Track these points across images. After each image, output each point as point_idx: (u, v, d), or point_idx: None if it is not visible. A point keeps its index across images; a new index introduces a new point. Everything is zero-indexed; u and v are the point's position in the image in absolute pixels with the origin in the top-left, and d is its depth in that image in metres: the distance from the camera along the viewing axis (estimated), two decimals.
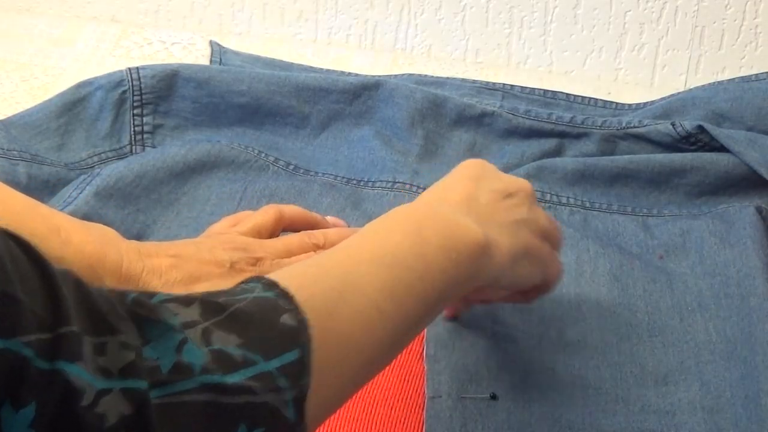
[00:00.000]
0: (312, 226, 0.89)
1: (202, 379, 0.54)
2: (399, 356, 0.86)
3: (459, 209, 0.74)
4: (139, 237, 0.95)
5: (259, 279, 0.61)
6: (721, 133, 0.99)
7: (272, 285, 0.60)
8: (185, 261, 0.81)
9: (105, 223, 0.93)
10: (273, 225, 0.87)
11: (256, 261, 0.82)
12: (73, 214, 0.91)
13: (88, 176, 0.97)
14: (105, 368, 0.51)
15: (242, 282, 0.61)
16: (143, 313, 0.54)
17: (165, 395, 0.53)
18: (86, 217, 0.92)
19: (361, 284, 0.64)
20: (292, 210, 0.89)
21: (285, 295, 0.60)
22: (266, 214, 0.87)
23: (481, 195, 0.76)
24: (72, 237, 0.78)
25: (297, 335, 0.58)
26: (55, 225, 0.78)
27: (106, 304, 0.53)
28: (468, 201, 0.75)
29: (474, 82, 1.13)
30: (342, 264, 0.66)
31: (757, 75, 1.09)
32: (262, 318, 0.58)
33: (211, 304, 0.57)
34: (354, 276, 0.65)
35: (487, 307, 0.90)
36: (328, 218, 0.93)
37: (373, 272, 0.65)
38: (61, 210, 0.91)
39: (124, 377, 0.51)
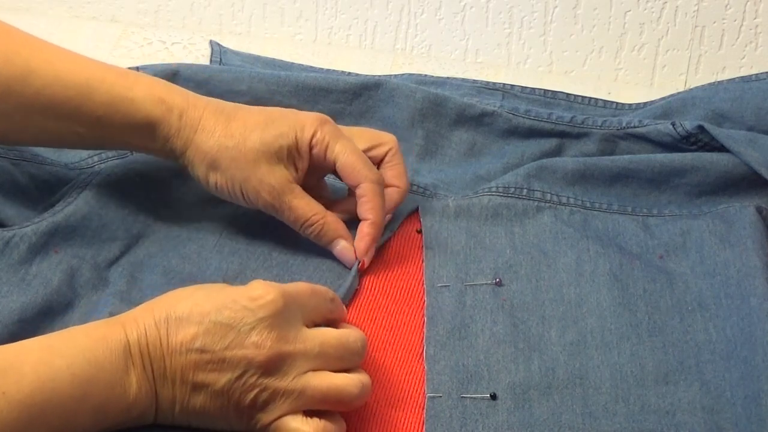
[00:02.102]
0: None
1: None
2: (399, 356, 0.87)
3: (147, 356, 0.72)
4: (139, 237, 0.95)
5: None
6: (721, 133, 0.99)
7: None
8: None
9: (104, 224, 0.93)
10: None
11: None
12: (72, 214, 0.92)
13: (88, 176, 0.97)
14: None
15: None
16: None
17: None
18: (86, 217, 0.92)
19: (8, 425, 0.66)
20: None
21: None
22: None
23: (193, 345, 0.73)
24: (137, 89, 0.88)
25: None
26: (126, 84, 0.88)
27: None
28: (178, 346, 0.73)
29: (474, 81, 1.13)
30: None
31: (757, 75, 1.09)
32: None
33: None
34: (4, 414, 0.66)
35: (486, 307, 0.90)
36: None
37: (17, 417, 0.67)
38: (61, 210, 0.92)
39: None
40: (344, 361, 0.77)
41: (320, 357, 0.75)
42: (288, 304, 0.75)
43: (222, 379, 0.72)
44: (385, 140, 0.94)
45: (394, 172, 0.94)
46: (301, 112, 0.91)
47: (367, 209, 0.91)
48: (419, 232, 0.96)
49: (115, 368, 0.71)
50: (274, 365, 0.73)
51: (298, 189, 0.90)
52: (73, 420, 0.70)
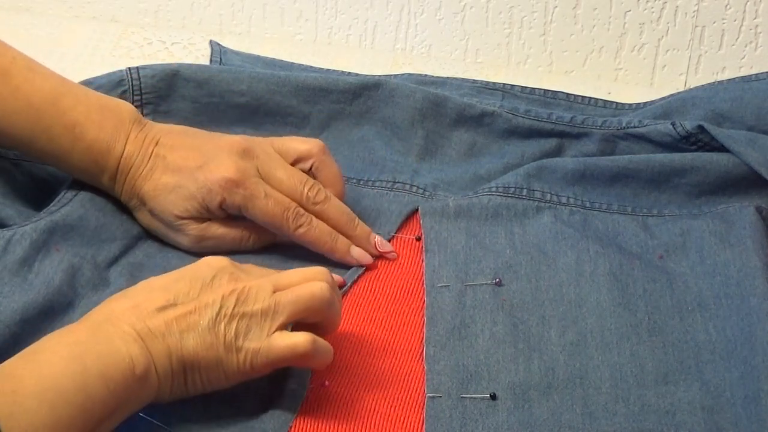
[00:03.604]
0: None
1: None
2: (399, 356, 0.87)
3: (131, 325, 0.75)
4: (138, 237, 0.95)
5: None
6: (721, 133, 0.99)
7: None
8: (173, 151, 0.92)
9: (103, 224, 0.93)
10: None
11: (239, 167, 0.88)
12: (69, 214, 0.92)
13: None
14: None
15: None
16: None
17: None
18: (83, 217, 0.92)
19: (25, 420, 0.67)
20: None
21: None
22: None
23: (168, 302, 0.77)
24: (86, 134, 0.90)
25: None
26: (71, 121, 0.90)
27: None
28: (147, 315, 0.76)
29: (474, 81, 1.13)
30: (7, 398, 0.68)
31: (757, 75, 1.09)
32: None
33: None
34: (18, 413, 0.67)
35: (486, 307, 0.90)
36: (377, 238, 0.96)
37: (37, 409, 0.68)
38: (57, 210, 0.92)
39: None
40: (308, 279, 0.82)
41: (282, 279, 0.81)
42: (235, 263, 0.81)
43: (204, 319, 0.77)
44: (310, 153, 0.95)
45: (323, 178, 0.95)
46: (213, 166, 0.91)
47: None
48: (418, 239, 0.96)
49: (99, 339, 0.74)
50: (244, 295, 0.78)
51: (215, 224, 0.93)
52: (88, 391, 0.71)
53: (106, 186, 0.93)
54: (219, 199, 0.91)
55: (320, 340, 0.80)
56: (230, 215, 0.93)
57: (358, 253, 0.93)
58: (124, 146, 0.91)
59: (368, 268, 0.94)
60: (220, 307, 0.77)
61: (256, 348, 0.78)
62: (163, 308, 0.76)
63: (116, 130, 0.91)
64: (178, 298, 0.77)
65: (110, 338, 0.74)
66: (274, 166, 0.92)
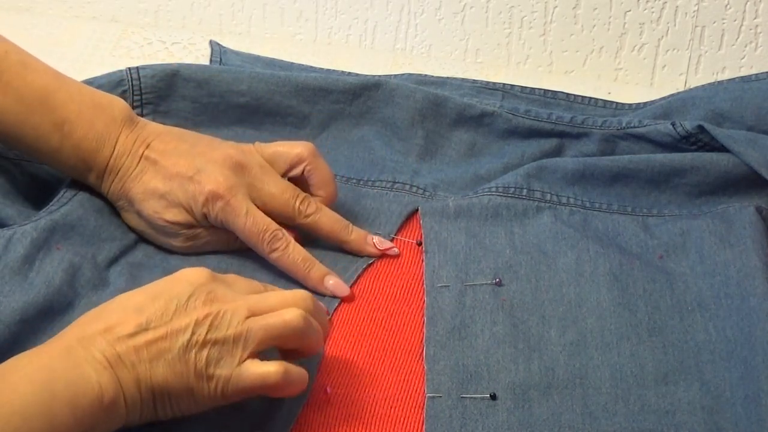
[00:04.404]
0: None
1: None
2: (399, 356, 0.87)
3: (95, 350, 0.74)
4: (138, 239, 0.95)
5: None
6: (721, 133, 0.99)
7: None
8: (164, 156, 0.91)
9: (102, 224, 0.93)
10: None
11: (223, 184, 0.89)
12: (67, 215, 0.92)
13: None
14: None
15: None
16: None
17: None
18: (82, 217, 0.92)
19: None
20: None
21: None
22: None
23: (140, 327, 0.75)
24: (74, 132, 0.90)
25: None
26: (61, 119, 0.89)
27: None
28: (117, 341, 0.75)
29: (474, 82, 1.13)
30: None
31: (757, 75, 1.08)
32: None
33: None
34: None
35: (486, 307, 0.90)
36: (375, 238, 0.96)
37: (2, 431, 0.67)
38: (57, 209, 0.92)
39: None
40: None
41: (259, 303, 0.79)
42: (216, 276, 0.80)
43: (175, 346, 0.75)
44: (301, 157, 0.94)
45: (315, 181, 0.95)
46: (203, 178, 0.91)
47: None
48: (419, 244, 0.96)
49: (69, 365, 0.73)
50: (218, 320, 0.76)
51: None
52: (55, 418, 0.70)
53: (93, 184, 0.93)
54: (204, 211, 0.91)
55: (293, 369, 0.78)
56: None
57: (333, 284, 0.91)
58: (114, 146, 0.91)
59: (368, 268, 0.94)
60: (192, 334, 0.75)
61: (227, 375, 0.76)
62: (134, 334, 0.75)
63: (107, 129, 0.91)
64: (150, 322, 0.75)
65: (80, 364, 0.73)
66: (267, 181, 0.92)
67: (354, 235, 0.95)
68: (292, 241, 0.92)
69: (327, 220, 0.94)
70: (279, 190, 0.93)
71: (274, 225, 0.91)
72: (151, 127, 0.93)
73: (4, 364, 0.72)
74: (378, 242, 0.95)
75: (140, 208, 0.92)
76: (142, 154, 0.91)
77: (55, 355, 0.73)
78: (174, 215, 0.91)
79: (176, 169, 0.91)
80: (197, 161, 0.91)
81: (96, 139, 0.90)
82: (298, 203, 0.93)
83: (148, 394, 0.75)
